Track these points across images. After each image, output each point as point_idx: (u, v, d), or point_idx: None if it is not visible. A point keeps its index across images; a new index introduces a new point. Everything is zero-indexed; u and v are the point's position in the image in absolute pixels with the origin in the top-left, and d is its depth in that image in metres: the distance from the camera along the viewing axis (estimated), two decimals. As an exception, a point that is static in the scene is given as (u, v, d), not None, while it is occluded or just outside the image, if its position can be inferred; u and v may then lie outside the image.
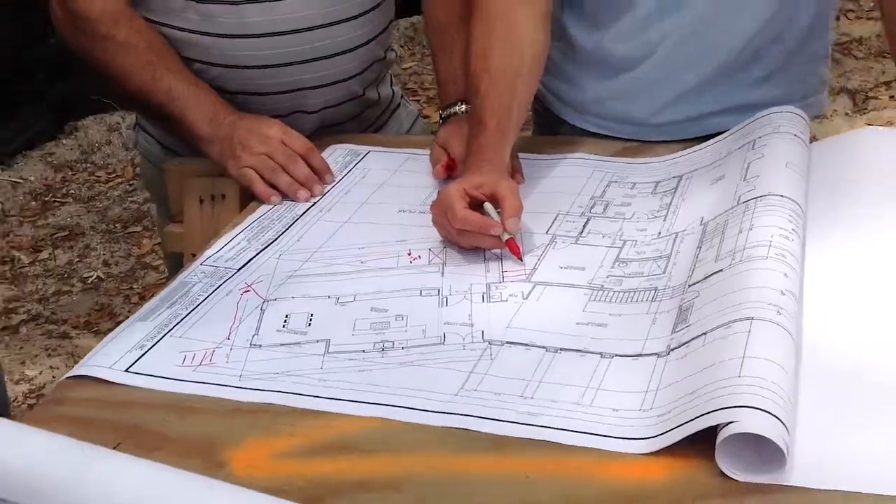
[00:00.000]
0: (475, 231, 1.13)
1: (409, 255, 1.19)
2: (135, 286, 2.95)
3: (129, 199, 3.47)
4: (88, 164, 3.69)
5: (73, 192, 3.51)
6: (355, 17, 1.47)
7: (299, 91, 1.48)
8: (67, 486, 0.79)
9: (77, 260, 3.10)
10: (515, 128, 1.27)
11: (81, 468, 0.80)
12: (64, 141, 3.79)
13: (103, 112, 3.90)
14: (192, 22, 1.44)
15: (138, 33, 1.42)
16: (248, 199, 1.41)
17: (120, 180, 3.59)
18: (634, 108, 1.42)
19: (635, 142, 1.42)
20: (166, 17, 1.45)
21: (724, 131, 1.34)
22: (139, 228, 3.28)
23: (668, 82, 1.39)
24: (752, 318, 0.91)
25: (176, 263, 1.48)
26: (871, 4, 4.89)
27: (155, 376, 1.01)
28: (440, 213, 1.17)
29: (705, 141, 1.36)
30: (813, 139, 1.29)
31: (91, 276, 3.01)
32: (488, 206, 1.16)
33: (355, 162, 1.45)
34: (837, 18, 4.73)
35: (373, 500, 0.81)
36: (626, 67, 1.41)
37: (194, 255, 1.32)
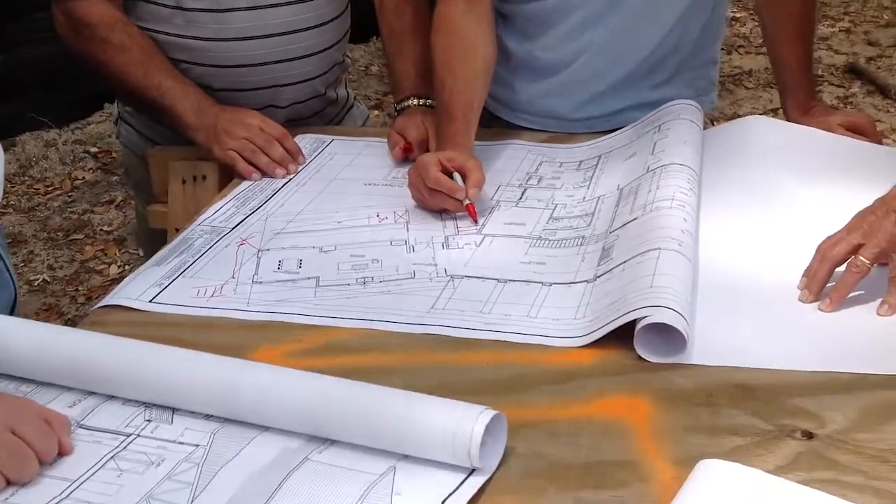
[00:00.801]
0: (443, 192, 1.37)
1: (378, 216, 1.42)
2: (80, 288, 3.10)
3: (69, 209, 3.62)
4: (26, 178, 3.82)
5: (13, 203, 3.64)
6: (321, 25, 1.71)
7: (273, 88, 1.70)
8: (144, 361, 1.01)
9: (22, 265, 3.24)
10: (476, 119, 1.52)
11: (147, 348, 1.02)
12: (2, 155, 3.91)
13: (40, 129, 4.05)
14: (178, 27, 1.65)
15: (131, 37, 1.63)
16: (227, 180, 1.63)
17: (58, 192, 3.73)
18: (558, 105, 1.68)
19: (560, 133, 1.69)
20: (154, 23, 1.66)
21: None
22: (81, 236, 3.43)
23: (586, 85, 1.66)
24: (660, 249, 1.17)
25: (153, 240, 1.67)
26: (760, 41, 5.32)
27: (175, 304, 1.22)
28: (416, 176, 1.40)
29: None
30: (706, 126, 1.58)
31: (37, 279, 3.15)
32: (456, 175, 1.40)
33: (322, 148, 1.68)
34: (729, 53, 5.16)
35: (373, 380, 1.02)
36: (551, 72, 1.67)
37: (178, 230, 1.53)
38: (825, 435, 0.94)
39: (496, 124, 1.73)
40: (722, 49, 1.77)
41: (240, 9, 1.62)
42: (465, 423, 0.89)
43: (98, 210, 3.65)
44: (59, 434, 0.96)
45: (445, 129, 1.49)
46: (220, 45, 1.65)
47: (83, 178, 3.87)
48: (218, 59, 1.66)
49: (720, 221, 1.31)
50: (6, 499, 0.91)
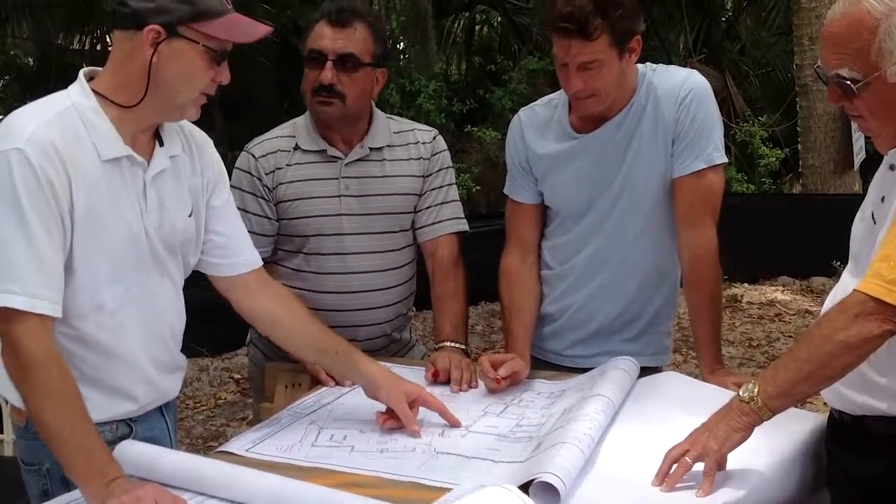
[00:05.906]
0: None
1: (404, 415, 2.12)
2: (209, 483, 3.84)
3: (210, 422, 4.42)
4: (181, 395, 4.66)
5: (167, 412, 4.47)
6: (390, 288, 2.50)
7: (353, 327, 2.46)
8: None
9: (167, 460, 4.02)
10: (530, 334, 2.37)
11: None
12: (164, 374, 4.80)
13: (198, 356, 4.94)
14: (300, 282, 2.45)
15: None
16: (314, 384, 2.37)
17: (204, 408, 4.55)
18: (555, 345, 2.43)
19: (556, 368, 2.39)
20: (287, 279, 2.46)
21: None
22: (216, 444, 4.21)
23: (573, 332, 2.41)
24: (564, 443, 1.82)
25: (263, 430, 2.41)
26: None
27: (261, 454, 1.94)
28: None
29: (591, 370, 2.31)
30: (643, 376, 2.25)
31: (177, 473, 3.91)
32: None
33: (381, 371, 2.41)
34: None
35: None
36: (551, 320, 2.44)
37: (278, 420, 2.26)
38: (622, 549, 1.56)
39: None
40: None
41: (334, 273, 2.43)
42: (405, 516, 1.56)
43: (233, 424, 4.44)
44: (180, 508, 1.67)
45: (510, 344, 2.33)
46: (315, 295, 2.44)
47: (225, 398, 4.69)
48: (316, 304, 2.44)
49: (627, 430, 1.97)
50: (146, 537, 1.61)
